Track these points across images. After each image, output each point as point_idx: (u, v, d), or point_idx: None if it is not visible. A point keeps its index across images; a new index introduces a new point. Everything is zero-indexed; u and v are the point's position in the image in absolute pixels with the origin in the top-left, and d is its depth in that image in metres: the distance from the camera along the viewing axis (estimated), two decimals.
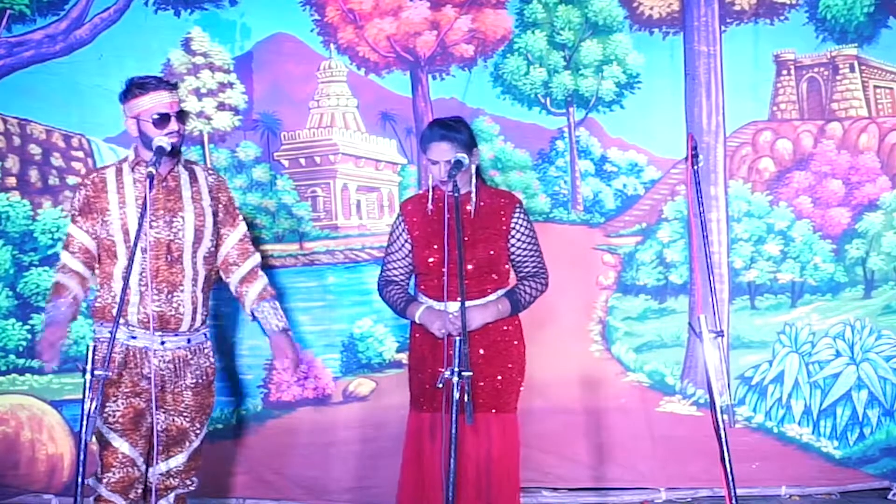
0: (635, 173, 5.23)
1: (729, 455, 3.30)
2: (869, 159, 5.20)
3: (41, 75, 5.04)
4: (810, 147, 5.23)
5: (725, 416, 3.32)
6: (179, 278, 3.77)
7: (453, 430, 3.36)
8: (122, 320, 3.71)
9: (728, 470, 3.30)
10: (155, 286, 3.69)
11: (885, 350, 5.20)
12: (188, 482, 3.96)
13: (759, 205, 5.22)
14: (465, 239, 3.81)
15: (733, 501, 3.32)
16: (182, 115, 3.79)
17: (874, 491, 5.21)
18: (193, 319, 3.83)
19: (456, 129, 3.89)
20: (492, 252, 3.90)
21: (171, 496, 3.92)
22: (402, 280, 4.11)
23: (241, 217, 4.08)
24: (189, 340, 3.84)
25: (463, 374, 3.35)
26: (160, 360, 3.77)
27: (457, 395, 3.36)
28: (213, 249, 3.91)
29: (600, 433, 5.15)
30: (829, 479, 5.19)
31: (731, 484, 3.31)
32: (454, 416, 3.35)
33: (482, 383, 3.85)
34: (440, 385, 3.43)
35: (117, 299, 3.66)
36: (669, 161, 5.18)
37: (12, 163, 5.07)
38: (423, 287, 4.06)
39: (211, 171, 4.06)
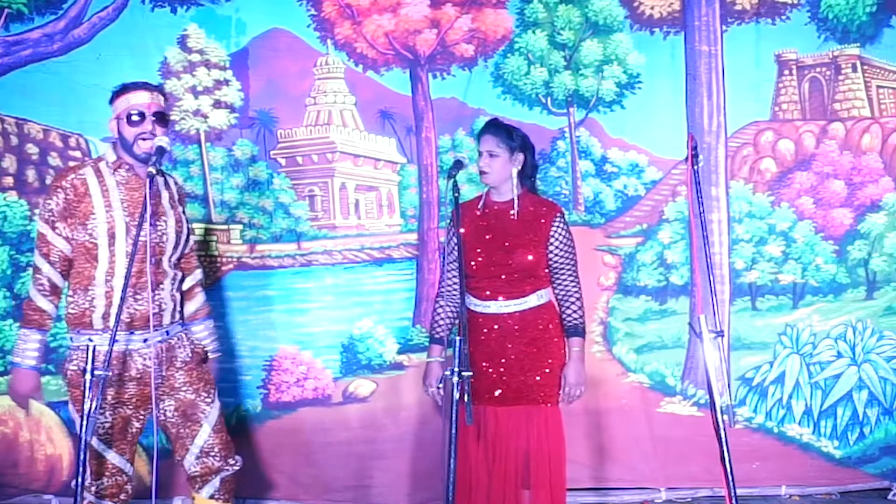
0: (636, 174, 5.22)
1: (729, 455, 3.31)
2: (871, 160, 5.18)
3: (39, 74, 5.03)
4: (812, 147, 5.21)
5: (725, 417, 3.32)
6: (161, 278, 3.76)
7: (453, 431, 3.37)
8: (101, 325, 3.70)
9: (728, 470, 3.30)
10: (140, 287, 3.65)
11: (886, 351, 5.18)
12: (231, 461, 3.92)
13: (760, 205, 5.21)
14: (507, 244, 4.01)
15: (733, 501, 3.32)
16: (163, 119, 3.74)
17: (874, 491, 5.21)
18: (173, 316, 3.84)
19: (504, 129, 4.09)
20: (530, 257, 4.02)
21: (217, 480, 3.88)
22: (454, 290, 4.19)
23: (193, 231, 4.12)
24: (168, 332, 3.82)
25: (463, 374, 3.38)
26: (145, 359, 3.75)
27: (457, 395, 3.37)
28: (182, 255, 3.94)
29: (601, 433, 5.15)
30: (829, 478, 5.18)
31: (731, 484, 3.31)
32: (454, 416, 3.36)
33: (523, 378, 3.99)
34: (439, 386, 3.45)
35: (96, 304, 3.67)
36: (670, 161, 5.16)
37: (9, 162, 5.07)
38: (467, 286, 4.15)
39: (175, 181, 4.06)
